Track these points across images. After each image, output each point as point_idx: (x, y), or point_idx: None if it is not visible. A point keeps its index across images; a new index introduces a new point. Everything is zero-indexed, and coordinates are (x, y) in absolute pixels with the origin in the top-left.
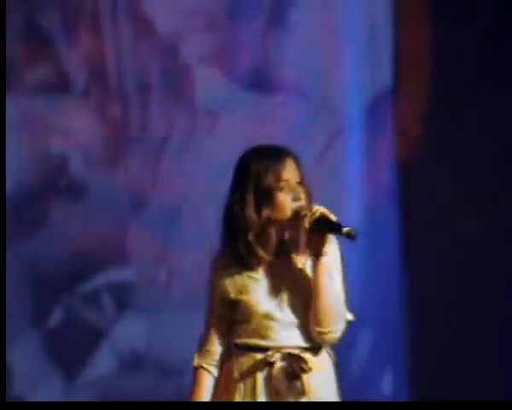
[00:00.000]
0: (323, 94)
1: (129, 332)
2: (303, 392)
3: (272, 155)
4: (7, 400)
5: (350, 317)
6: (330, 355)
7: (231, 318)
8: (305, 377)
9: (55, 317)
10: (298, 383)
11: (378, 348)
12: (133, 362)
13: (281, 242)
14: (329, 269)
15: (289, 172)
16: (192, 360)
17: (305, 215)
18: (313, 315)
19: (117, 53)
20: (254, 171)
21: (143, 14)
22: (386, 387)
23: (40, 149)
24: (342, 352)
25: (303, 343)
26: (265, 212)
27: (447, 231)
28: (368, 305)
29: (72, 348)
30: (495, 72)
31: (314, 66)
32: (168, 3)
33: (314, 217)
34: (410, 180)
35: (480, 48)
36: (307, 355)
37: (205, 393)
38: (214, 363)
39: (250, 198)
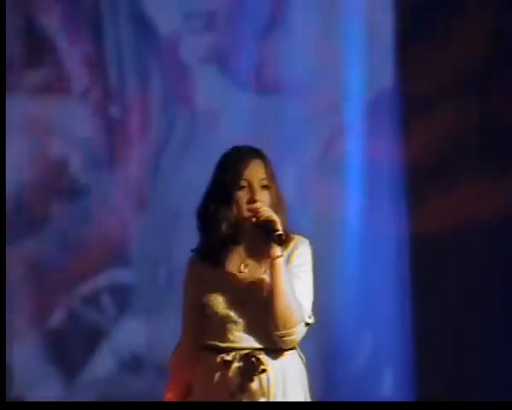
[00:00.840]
0: (323, 94)
1: (129, 332)
2: (262, 393)
3: (239, 154)
4: (7, 400)
5: (310, 320)
6: (301, 357)
7: (199, 318)
8: (262, 378)
9: (55, 317)
10: (253, 384)
11: (378, 348)
12: (133, 362)
13: (245, 242)
14: (282, 271)
15: (252, 174)
16: None
17: (250, 218)
18: (270, 319)
19: (117, 53)
20: (220, 168)
21: (143, 14)
22: (387, 387)
23: (40, 149)
24: (343, 352)
25: (262, 345)
26: (224, 210)
27: (448, 229)
28: (368, 306)
29: (72, 349)
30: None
31: (314, 66)
32: (168, 3)
33: (259, 221)
34: (410, 180)
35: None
36: (265, 356)
37: (179, 393)
38: (189, 363)
39: (213, 194)
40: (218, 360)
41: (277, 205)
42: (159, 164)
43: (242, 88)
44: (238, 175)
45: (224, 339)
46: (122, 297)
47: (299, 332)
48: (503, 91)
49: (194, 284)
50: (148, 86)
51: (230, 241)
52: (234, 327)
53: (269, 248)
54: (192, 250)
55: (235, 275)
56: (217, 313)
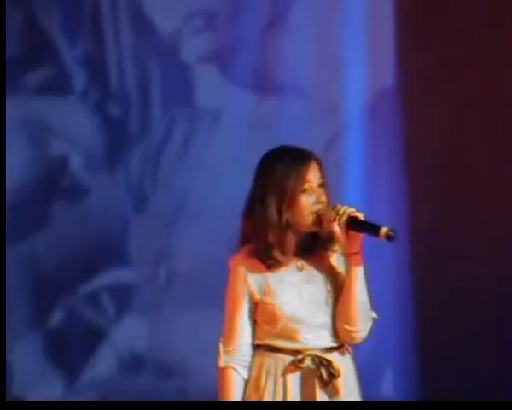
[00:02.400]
0: (323, 94)
1: (129, 333)
2: (336, 394)
3: (296, 156)
4: (7, 400)
5: (375, 315)
6: (349, 351)
7: (254, 319)
8: (338, 381)
9: (56, 317)
10: (329, 388)
11: (378, 348)
12: (133, 362)
13: (303, 243)
14: (361, 268)
15: (312, 175)
16: (192, 360)
17: (333, 219)
18: (343, 314)
19: (117, 53)
20: (277, 172)
21: (143, 14)
22: (387, 387)
23: (40, 149)
24: None
25: (329, 344)
26: (287, 214)
27: (448, 230)
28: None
29: (72, 349)
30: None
31: (314, 66)
32: (168, 3)
33: (343, 218)
34: (410, 180)
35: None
36: (336, 361)
37: (236, 393)
38: (243, 363)
39: (272, 200)
40: (290, 361)
41: (330, 203)
42: (159, 164)
43: (242, 88)
44: (301, 178)
45: (293, 340)
46: (122, 297)
47: (369, 328)
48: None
49: (253, 282)
50: (148, 86)
51: (287, 242)
52: (301, 328)
53: (350, 245)
54: (238, 249)
55: (295, 275)
56: (282, 314)
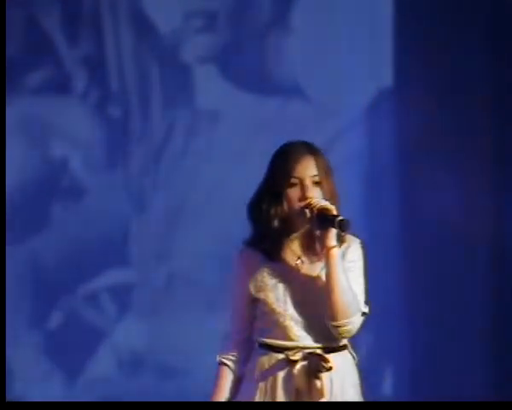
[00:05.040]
0: (323, 94)
1: (129, 333)
2: (322, 393)
3: (291, 151)
4: (7, 400)
5: (365, 309)
6: (354, 357)
7: (253, 315)
8: (324, 377)
9: (56, 317)
10: (318, 383)
11: (378, 348)
12: (133, 363)
13: (299, 240)
14: (338, 261)
15: (304, 171)
16: (192, 360)
17: (305, 212)
18: (327, 309)
19: (117, 53)
20: (273, 165)
21: (144, 14)
22: (387, 387)
23: (40, 149)
24: None
25: (323, 343)
26: (275, 207)
27: (448, 229)
28: (368, 306)
29: (72, 349)
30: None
31: (314, 66)
32: (169, 3)
33: (313, 212)
34: (410, 180)
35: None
36: (330, 355)
37: (224, 388)
38: (234, 359)
39: (267, 191)
40: (282, 358)
41: (330, 201)
42: (159, 164)
43: (243, 88)
44: (288, 172)
45: (286, 337)
46: (122, 297)
47: (356, 322)
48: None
49: (247, 277)
50: (147, 86)
51: (284, 239)
52: (293, 325)
53: (325, 239)
54: (243, 243)
55: (292, 272)
56: (275, 310)
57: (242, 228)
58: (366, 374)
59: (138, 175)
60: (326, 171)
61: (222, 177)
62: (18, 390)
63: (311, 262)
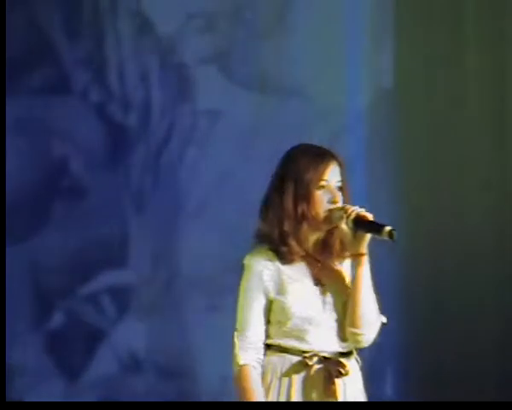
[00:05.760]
0: (323, 94)
1: (129, 333)
2: (336, 397)
3: (318, 153)
4: (7, 400)
5: (384, 319)
6: (358, 361)
7: (268, 317)
8: (338, 381)
9: (55, 318)
10: (333, 387)
11: (378, 348)
12: (133, 363)
13: (317, 242)
14: (368, 269)
15: (331, 175)
16: (192, 360)
17: (341, 217)
18: (349, 316)
19: (117, 53)
20: (298, 164)
21: (143, 14)
22: (387, 387)
23: (40, 149)
24: None
25: (339, 348)
26: (301, 206)
27: (448, 228)
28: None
29: (72, 349)
30: None
31: (314, 66)
32: (168, 3)
33: (350, 218)
34: (409, 179)
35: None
36: (343, 359)
37: (258, 390)
38: (259, 361)
39: (289, 190)
40: (298, 362)
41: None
42: (159, 164)
43: (243, 88)
44: (320, 175)
45: (303, 341)
46: (122, 298)
47: (375, 331)
48: None
49: (269, 278)
50: (147, 86)
51: (306, 240)
52: (312, 330)
53: (357, 245)
54: (258, 243)
55: (311, 275)
56: (294, 313)
57: (243, 228)
58: (367, 374)
59: (138, 175)
60: (346, 177)
61: (222, 177)
62: (18, 390)
63: (326, 266)
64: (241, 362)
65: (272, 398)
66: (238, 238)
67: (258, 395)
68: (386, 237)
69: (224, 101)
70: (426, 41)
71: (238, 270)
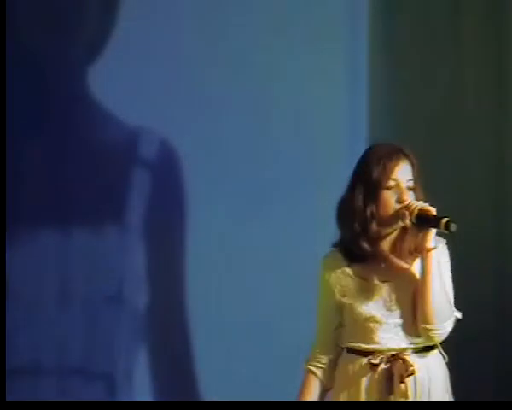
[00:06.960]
0: (323, 94)
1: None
2: (406, 397)
3: (389, 152)
4: (7, 400)
5: (458, 315)
6: (444, 357)
7: (340, 320)
8: (408, 380)
9: (55, 317)
10: (402, 386)
11: None
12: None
13: (387, 242)
14: (436, 265)
15: (400, 174)
16: (192, 361)
17: (405, 215)
18: (421, 312)
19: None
20: (367, 164)
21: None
22: None
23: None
24: None
25: (408, 345)
26: (370, 207)
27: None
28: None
29: (72, 349)
30: None
31: (314, 66)
32: (167, 4)
33: (413, 214)
34: None
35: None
36: (412, 357)
37: (308, 396)
38: (321, 366)
39: (359, 190)
40: (365, 362)
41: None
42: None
43: (243, 86)
44: (388, 175)
45: (370, 341)
46: (122, 297)
47: (448, 327)
48: None
49: (335, 282)
50: (147, 86)
51: (375, 241)
52: (379, 329)
53: (423, 241)
54: (332, 246)
55: (379, 275)
56: (360, 314)
57: (245, 228)
58: None
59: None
60: (418, 176)
61: (222, 177)
62: (18, 390)
63: (395, 265)
64: (305, 367)
65: (338, 399)
66: (240, 238)
67: (303, 399)
68: (443, 230)
69: (224, 101)
70: (425, 41)
71: None
